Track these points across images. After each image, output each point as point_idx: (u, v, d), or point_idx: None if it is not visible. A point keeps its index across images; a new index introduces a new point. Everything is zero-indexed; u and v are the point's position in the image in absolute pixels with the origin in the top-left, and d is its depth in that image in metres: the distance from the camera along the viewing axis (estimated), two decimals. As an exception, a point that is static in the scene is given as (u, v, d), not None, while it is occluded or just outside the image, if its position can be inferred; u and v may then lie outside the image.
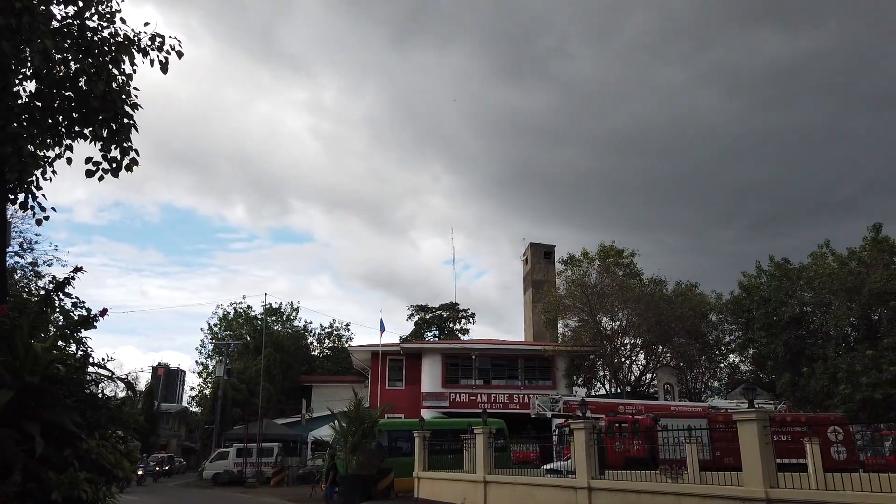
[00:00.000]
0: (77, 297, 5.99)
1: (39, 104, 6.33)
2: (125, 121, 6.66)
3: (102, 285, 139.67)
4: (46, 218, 6.98)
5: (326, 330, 63.95)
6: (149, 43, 6.72)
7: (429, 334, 59.00)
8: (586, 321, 39.46)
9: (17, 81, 6.22)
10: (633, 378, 40.82)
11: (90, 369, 5.74)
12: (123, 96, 6.61)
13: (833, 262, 36.09)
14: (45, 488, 4.74)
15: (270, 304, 57.22)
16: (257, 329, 52.70)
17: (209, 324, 59.91)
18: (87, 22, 6.45)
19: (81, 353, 5.81)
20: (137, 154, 6.85)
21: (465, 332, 59.71)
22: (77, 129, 6.61)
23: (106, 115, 6.51)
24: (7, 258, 8.27)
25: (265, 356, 44.66)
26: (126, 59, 6.60)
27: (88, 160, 6.70)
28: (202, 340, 61.42)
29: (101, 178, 6.78)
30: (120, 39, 6.60)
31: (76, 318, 5.88)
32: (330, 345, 63.52)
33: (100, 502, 5.20)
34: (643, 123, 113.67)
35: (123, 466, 5.65)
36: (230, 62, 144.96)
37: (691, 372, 41.78)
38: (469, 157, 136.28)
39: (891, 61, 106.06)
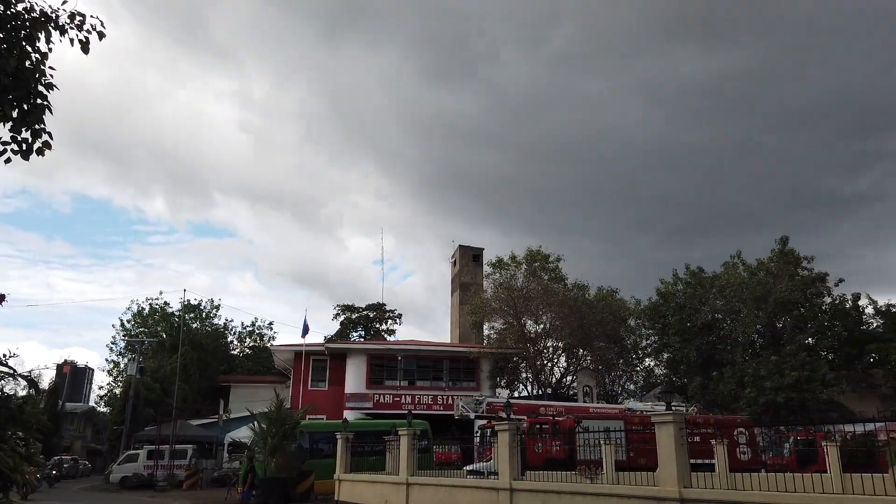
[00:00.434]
0: (-28, 288, 5.56)
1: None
2: (38, 101, 6.25)
3: (4, 277, 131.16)
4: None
5: (248, 328, 62.58)
6: (68, 21, 6.33)
7: (354, 335, 58.51)
8: (511, 324, 40.08)
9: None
10: (554, 380, 41.77)
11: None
12: (37, 75, 6.20)
13: (743, 272, 38.15)
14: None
15: (189, 300, 55.59)
16: (174, 326, 50.97)
17: (122, 320, 57.71)
18: (-3, -6, 6.01)
19: (-21, 348, 5.40)
20: (51, 137, 6.44)
21: (392, 332, 59.57)
22: (-16, 106, 6.13)
23: (17, 94, 6.09)
24: None
25: (182, 354, 43.20)
26: (42, 35, 6.19)
27: (-5, 140, 6.24)
28: (114, 337, 59.33)
29: (7, 161, 6.33)
30: (35, 15, 6.18)
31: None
32: (251, 344, 62.11)
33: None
34: (570, 132, 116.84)
35: (23, 470, 5.28)
36: (153, 47, 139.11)
37: (609, 375, 43.15)
38: (400, 157, 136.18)
39: (797, 84, 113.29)
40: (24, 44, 6.10)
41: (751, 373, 32.73)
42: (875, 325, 38.38)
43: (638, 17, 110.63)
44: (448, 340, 52.61)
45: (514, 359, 40.82)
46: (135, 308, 57.12)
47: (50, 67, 6.40)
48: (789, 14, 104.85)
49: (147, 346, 47.71)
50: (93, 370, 74.51)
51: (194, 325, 54.84)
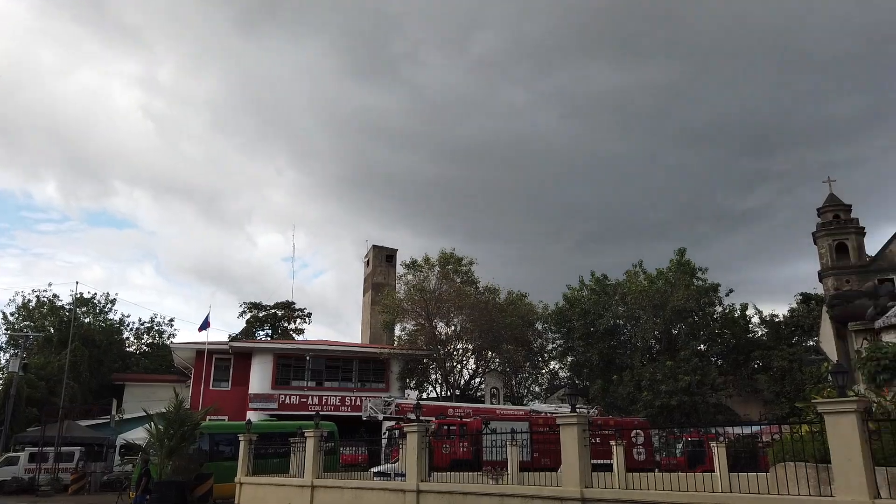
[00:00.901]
0: None
1: None
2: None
3: None
4: None
5: (146, 325, 59.48)
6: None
7: (261, 333, 56.93)
8: (423, 325, 40.23)
9: None
10: (462, 382, 42.27)
11: None
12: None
13: (644, 280, 40.03)
14: None
15: (82, 293, 52.19)
16: (64, 321, 47.77)
17: (4, 312, 53.42)
18: None
19: None
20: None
21: (301, 332, 58.37)
22: None
23: None
24: None
25: (71, 350, 40.55)
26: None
27: None
28: (-6, 331, 54.67)
29: None
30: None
31: None
32: (149, 341, 59.11)
33: None
34: (487, 137, 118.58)
35: None
36: (50, 21, 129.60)
37: (516, 377, 44.11)
38: (316, 152, 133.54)
39: (701, 103, 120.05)
40: None
41: (648, 377, 34.41)
42: (760, 333, 41.29)
43: (556, 29, 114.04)
44: (359, 341, 52.14)
45: (424, 360, 40.99)
46: (19, 300, 53.10)
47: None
48: (696, 36, 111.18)
49: (32, 342, 44.49)
50: (-32, 366, 68.72)
51: (86, 320, 51.56)
